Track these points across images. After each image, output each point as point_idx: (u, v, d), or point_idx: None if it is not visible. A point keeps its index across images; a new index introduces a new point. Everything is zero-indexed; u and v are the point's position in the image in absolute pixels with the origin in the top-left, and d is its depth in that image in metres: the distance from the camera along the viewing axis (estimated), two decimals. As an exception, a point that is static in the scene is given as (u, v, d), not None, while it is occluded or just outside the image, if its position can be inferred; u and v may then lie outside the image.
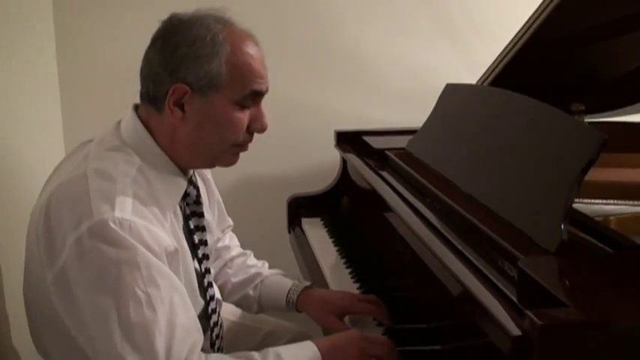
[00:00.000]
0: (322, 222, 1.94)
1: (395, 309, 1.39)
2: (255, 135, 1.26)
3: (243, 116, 1.17)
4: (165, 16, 1.17)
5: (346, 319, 1.41)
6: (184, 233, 1.24)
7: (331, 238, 1.82)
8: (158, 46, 1.14)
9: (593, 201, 1.52)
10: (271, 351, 1.14)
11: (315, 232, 1.88)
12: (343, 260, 1.67)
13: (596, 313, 0.85)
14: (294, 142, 2.27)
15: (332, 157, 2.08)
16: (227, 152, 1.20)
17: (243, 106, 1.16)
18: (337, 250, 1.73)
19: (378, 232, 1.69)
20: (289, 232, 1.99)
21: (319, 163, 2.23)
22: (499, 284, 1.01)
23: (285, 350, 1.16)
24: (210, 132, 1.16)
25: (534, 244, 1.08)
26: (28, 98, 1.81)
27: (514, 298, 0.96)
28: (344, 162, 2.01)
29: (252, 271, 1.53)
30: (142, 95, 1.18)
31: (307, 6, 2.24)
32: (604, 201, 1.52)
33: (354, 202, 1.97)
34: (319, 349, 1.17)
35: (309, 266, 1.69)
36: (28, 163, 1.73)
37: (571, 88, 1.82)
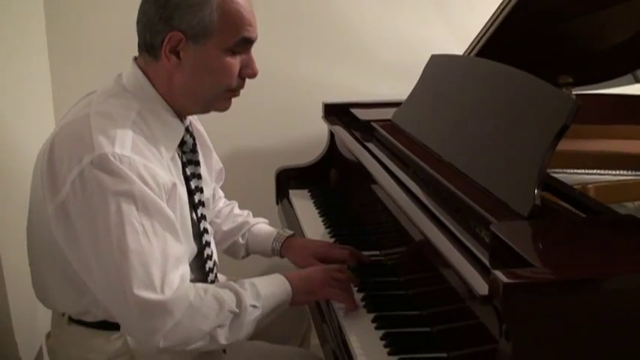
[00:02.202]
0: (309, 193, 1.96)
1: (376, 277, 1.41)
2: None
3: (235, 62, 1.23)
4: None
5: None
6: (182, 180, 1.29)
7: (317, 209, 1.84)
8: None
9: (576, 171, 1.54)
10: (247, 281, 1.24)
11: (302, 203, 1.90)
12: (328, 230, 1.69)
13: (561, 272, 0.86)
14: (284, 114, 2.27)
15: (321, 129, 2.08)
16: (221, 97, 1.27)
17: (234, 53, 1.22)
18: (323, 221, 1.75)
19: (362, 203, 1.70)
20: (277, 204, 2.00)
21: (308, 135, 2.23)
22: (473, 248, 1.03)
23: (258, 280, 1.26)
24: (205, 77, 1.22)
25: (509, 209, 1.09)
26: (19, 75, 1.82)
27: (486, 261, 0.98)
28: (331, 134, 2.01)
29: (240, 220, 1.62)
30: (139, 45, 1.24)
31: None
32: (587, 170, 1.54)
33: (341, 174, 1.98)
34: (288, 279, 1.29)
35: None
36: (19, 138, 1.75)
37: (559, 60, 1.82)
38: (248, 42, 1.24)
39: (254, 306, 1.21)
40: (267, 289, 1.24)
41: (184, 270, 1.17)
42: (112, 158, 1.10)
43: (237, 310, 1.18)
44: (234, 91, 1.27)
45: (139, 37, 1.24)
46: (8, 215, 1.56)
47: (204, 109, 1.29)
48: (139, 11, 1.23)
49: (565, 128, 1.07)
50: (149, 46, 1.21)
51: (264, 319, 1.24)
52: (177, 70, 1.21)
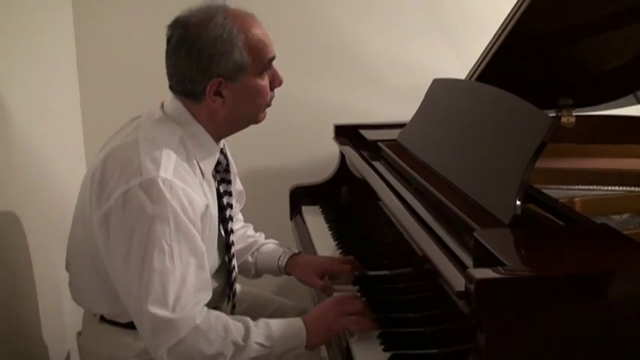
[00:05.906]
0: (321, 210, 2.06)
1: (378, 285, 1.51)
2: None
3: (266, 82, 1.36)
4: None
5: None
6: (215, 197, 1.41)
7: (327, 223, 1.95)
8: (184, 53, 1.30)
9: (571, 187, 1.63)
10: (263, 320, 1.31)
11: (314, 218, 2.01)
12: (336, 242, 1.80)
13: (532, 270, 0.96)
14: (299, 135, 2.40)
15: (334, 148, 2.18)
16: (260, 113, 1.40)
17: (263, 74, 1.35)
18: (331, 234, 1.86)
19: (368, 218, 1.81)
20: (291, 220, 2.11)
21: (322, 154, 2.35)
22: (457, 253, 1.13)
23: (275, 321, 1.32)
24: (247, 105, 1.36)
25: (494, 218, 1.19)
26: (49, 98, 1.95)
27: (469, 264, 1.08)
28: (342, 154, 2.12)
29: (250, 240, 1.70)
30: (175, 91, 1.35)
31: (306, 3, 2.37)
32: (581, 187, 1.62)
33: (351, 191, 2.09)
34: (305, 323, 1.32)
35: (305, 248, 1.82)
36: (52, 158, 1.89)
37: (559, 82, 1.87)
38: (272, 60, 1.37)
39: (261, 344, 1.26)
40: (280, 331, 1.29)
41: (201, 297, 1.26)
42: (158, 182, 1.21)
43: (241, 343, 1.25)
44: (269, 105, 1.40)
45: (175, 85, 1.34)
46: (37, 222, 1.68)
47: (244, 128, 1.42)
48: (169, 64, 1.33)
49: (543, 145, 1.17)
50: (190, 93, 1.33)
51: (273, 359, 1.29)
52: (222, 106, 1.33)
